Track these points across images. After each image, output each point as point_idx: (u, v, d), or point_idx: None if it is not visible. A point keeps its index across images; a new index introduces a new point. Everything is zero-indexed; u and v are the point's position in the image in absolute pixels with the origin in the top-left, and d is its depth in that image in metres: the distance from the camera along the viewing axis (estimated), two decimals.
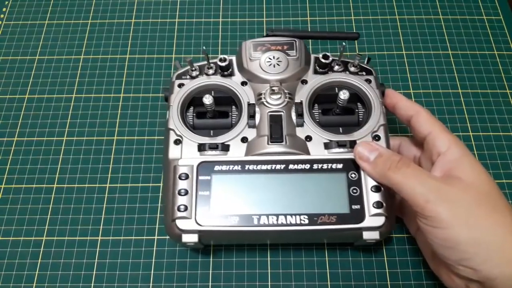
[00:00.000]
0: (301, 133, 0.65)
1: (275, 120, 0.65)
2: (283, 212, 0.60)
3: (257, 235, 0.63)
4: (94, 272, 0.72)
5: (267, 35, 0.71)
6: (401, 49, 0.92)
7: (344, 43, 0.69)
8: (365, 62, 0.71)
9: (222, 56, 0.69)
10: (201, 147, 0.64)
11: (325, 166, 0.62)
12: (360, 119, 0.69)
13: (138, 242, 0.75)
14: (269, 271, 0.72)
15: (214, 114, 0.68)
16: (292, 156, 0.63)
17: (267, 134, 0.64)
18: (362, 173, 0.62)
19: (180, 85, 0.69)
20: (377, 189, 0.60)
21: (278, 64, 0.68)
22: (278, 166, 0.62)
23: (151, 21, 0.97)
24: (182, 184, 0.61)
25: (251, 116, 0.66)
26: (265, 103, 0.66)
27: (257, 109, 0.67)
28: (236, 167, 0.62)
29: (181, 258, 0.73)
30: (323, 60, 0.68)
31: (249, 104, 0.67)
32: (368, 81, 0.69)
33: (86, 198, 0.78)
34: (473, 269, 0.54)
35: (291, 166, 0.62)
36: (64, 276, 0.72)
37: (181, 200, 0.61)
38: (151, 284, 0.71)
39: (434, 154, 0.62)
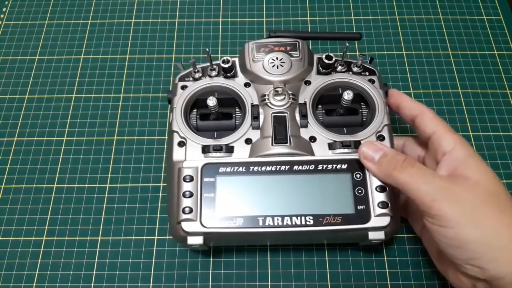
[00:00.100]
0: (305, 134, 0.65)
1: (279, 121, 0.65)
2: (288, 213, 0.60)
3: (262, 237, 0.63)
4: (94, 272, 0.72)
5: (269, 36, 0.71)
6: (401, 49, 0.92)
7: (347, 43, 0.68)
8: (368, 62, 0.71)
9: (225, 57, 0.69)
10: (205, 149, 0.64)
11: (329, 166, 0.62)
12: (364, 119, 0.69)
13: (138, 242, 0.74)
14: (269, 271, 0.72)
15: (217, 115, 0.69)
16: (297, 157, 0.63)
17: (271, 135, 0.64)
18: (367, 173, 0.62)
19: (183, 87, 0.69)
20: (382, 189, 0.61)
21: (281, 65, 0.68)
22: (282, 167, 0.62)
23: (151, 21, 0.96)
24: (186, 186, 0.61)
25: (255, 117, 0.66)
26: (268, 104, 0.66)
27: (260, 110, 0.67)
28: (240, 169, 0.62)
29: (181, 258, 0.73)
30: (326, 61, 0.68)
31: (252, 106, 0.67)
32: (372, 81, 0.69)
33: (86, 198, 0.78)
34: (480, 268, 0.54)
35: (295, 167, 0.62)
36: (64, 276, 0.72)
37: (186, 202, 0.60)
38: (151, 284, 0.71)
39: (439, 154, 0.62)
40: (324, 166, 0.62)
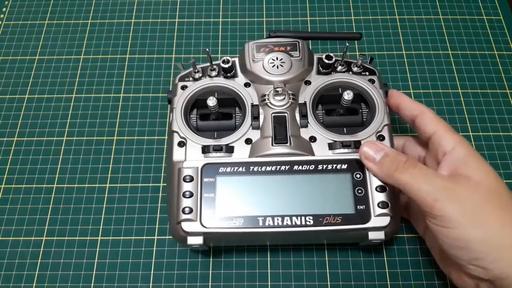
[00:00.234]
0: (305, 134, 0.65)
1: (279, 121, 0.65)
2: (288, 213, 0.60)
3: (262, 237, 0.63)
4: (94, 272, 0.72)
5: (269, 36, 0.71)
6: (401, 49, 0.92)
7: (347, 43, 0.68)
8: (368, 62, 0.71)
9: (225, 57, 0.69)
10: (205, 149, 0.64)
11: (329, 166, 0.62)
12: (364, 119, 0.69)
13: (138, 242, 0.74)
14: (269, 271, 0.72)
15: (217, 116, 0.69)
16: (297, 157, 0.63)
17: (271, 135, 0.64)
18: (367, 173, 0.62)
19: (183, 87, 0.69)
20: (382, 189, 0.61)
21: (281, 65, 0.68)
22: (282, 167, 0.62)
23: (151, 21, 0.96)
24: (186, 186, 0.61)
25: (255, 117, 0.66)
26: (269, 104, 0.66)
27: (260, 110, 0.67)
28: (240, 169, 0.62)
29: (181, 258, 0.73)
30: (326, 61, 0.68)
31: (252, 106, 0.67)
32: (372, 81, 0.69)
33: (86, 198, 0.78)
34: (484, 268, 0.54)
35: (295, 167, 0.62)
36: (64, 276, 0.72)
37: (186, 202, 0.60)
38: (151, 284, 0.71)
39: (439, 154, 0.62)
40: (324, 166, 0.62)
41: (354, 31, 0.94)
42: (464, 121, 0.84)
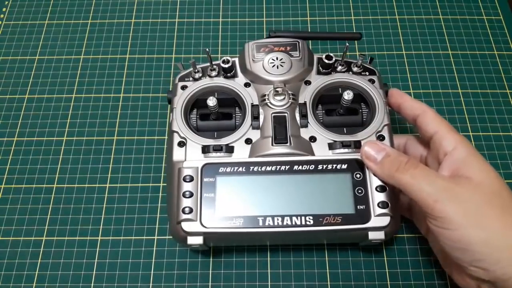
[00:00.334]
0: (305, 134, 0.65)
1: (279, 121, 0.65)
2: (288, 213, 0.60)
3: (262, 237, 0.63)
4: (94, 272, 0.72)
5: (269, 36, 0.71)
6: (401, 49, 0.92)
7: (347, 43, 0.68)
8: (368, 62, 0.71)
9: (225, 57, 0.69)
10: (205, 149, 0.64)
11: (329, 166, 0.62)
12: (364, 119, 0.69)
13: (138, 242, 0.74)
14: (269, 271, 0.72)
15: (217, 116, 0.69)
16: (297, 157, 0.63)
17: (271, 135, 0.64)
18: (367, 173, 0.62)
19: (183, 87, 0.69)
20: (382, 189, 0.61)
21: (281, 65, 0.68)
22: (282, 167, 0.62)
23: (151, 21, 0.96)
24: (186, 186, 0.61)
25: (255, 117, 0.66)
26: (269, 104, 0.66)
27: (260, 110, 0.67)
28: (240, 169, 0.62)
29: (181, 258, 0.73)
30: (326, 61, 0.68)
31: (252, 106, 0.67)
32: (372, 81, 0.69)
33: (86, 198, 0.78)
34: (485, 270, 0.53)
35: (295, 167, 0.62)
36: (64, 276, 0.72)
37: (186, 202, 0.60)
38: (151, 284, 0.71)
39: (440, 154, 0.61)
40: (324, 166, 0.62)
41: (354, 31, 0.94)
42: (464, 121, 0.84)
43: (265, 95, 0.67)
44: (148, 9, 0.98)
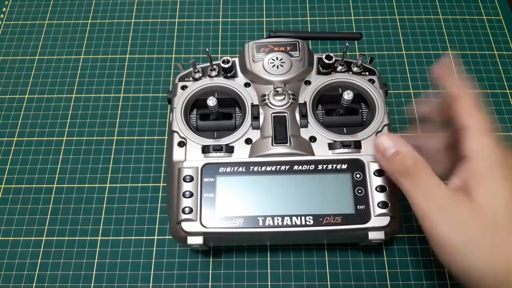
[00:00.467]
0: (305, 134, 0.65)
1: (279, 121, 0.65)
2: (288, 213, 0.60)
3: (262, 237, 0.63)
4: (94, 272, 0.72)
5: (269, 36, 0.71)
6: (401, 49, 0.92)
7: (347, 43, 0.68)
8: (368, 62, 0.71)
9: (225, 57, 0.69)
10: (205, 149, 0.64)
11: (329, 166, 0.62)
12: (364, 119, 0.69)
13: (138, 242, 0.74)
14: (269, 271, 0.72)
15: (217, 115, 0.69)
16: (297, 157, 0.63)
17: (271, 135, 0.64)
18: (367, 173, 0.62)
19: (183, 87, 0.70)
20: (382, 189, 0.61)
21: (281, 65, 0.68)
22: (282, 167, 0.62)
23: (151, 21, 0.96)
24: (186, 186, 0.62)
25: (255, 117, 0.66)
26: (269, 104, 0.66)
27: (260, 110, 0.67)
28: (240, 169, 0.62)
29: (181, 258, 0.73)
30: (326, 61, 0.68)
31: (252, 106, 0.67)
32: (372, 81, 0.69)
33: (86, 198, 0.78)
34: None
35: (295, 167, 0.62)
36: (64, 276, 0.72)
37: (186, 202, 0.61)
38: (151, 284, 0.71)
39: (462, 155, 0.54)
40: (324, 166, 0.62)
41: (354, 31, 0.94)
42: None
43: (265, 95, 0.67)
44: (148, 9, 0.98)
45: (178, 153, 0.64)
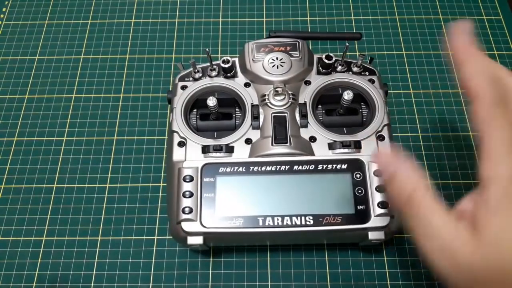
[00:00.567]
0: (305, 134, 0.65)
1: (279, 121, 0.65)
2: (288, 213, 0.60)
3: (262, 237, 0.63)
4: (94, 272, 0.72)
5: (269, 36, 0.71)
6: (401, 49, 0.92)
7: (347, 43, 0.68)
8: (368, 62, 0.71)
9: (225, 57, 0.69)
10: (205, 149, 0.64)
11: (329, 166, 0.62)
12: (364, 119, 0.69)
13: (138, 242, 0.74)
14: (269, 271, 0.72)
15: (217, 115, 0.69)
16: (297, 157, 0.63)
17: (271, 135, 0.65)
18: (367, 173, 0.62)
19: (183, 87, 0.70)
20: (382, 189, 0.61)
21: (281, 65, 0.68)
22: (282, 167, 0.62)
23: (151, 21, 0.96)
24: (186, 186, 0.62)
25: (255, 117, 0.66)
26: (268, 104, 0.67)
27: (260, 110, 0.67)
28: (240, 169, 0.62)
29: (181, 258, 0.73)
30: (326, 61, 0.68)
31: (252, 106, 0.67)
32: (372, 81, 0.69)
33: (86, 198, 0.78)
34: None
35: (295, 167, 0.62)
36: (64, 276, 0.72)
37: (186, 202, 0.61)
38: (151, 284, 0.71)
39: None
40: (324, 166, 0.62)
41: (354, 31, 0.94)
42: (464, 121, 0.84)
43: (265, 95, 0.67)
44: (148, 9, 0.98)
45: (178, 153, 0.64)
